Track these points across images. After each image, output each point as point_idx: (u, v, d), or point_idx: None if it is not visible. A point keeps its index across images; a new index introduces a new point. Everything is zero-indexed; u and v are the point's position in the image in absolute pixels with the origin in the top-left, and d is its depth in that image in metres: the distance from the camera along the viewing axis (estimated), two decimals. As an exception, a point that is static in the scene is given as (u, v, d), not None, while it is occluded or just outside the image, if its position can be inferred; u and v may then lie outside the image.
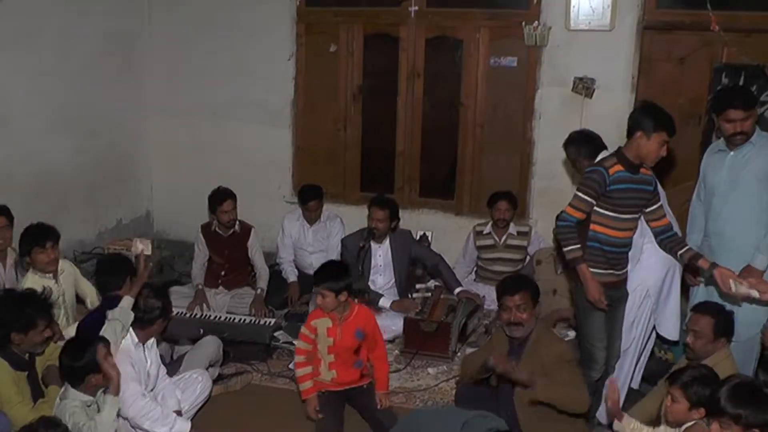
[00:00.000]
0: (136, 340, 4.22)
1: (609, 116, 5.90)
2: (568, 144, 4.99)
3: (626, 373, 4.71)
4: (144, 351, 4.27)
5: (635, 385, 4.86)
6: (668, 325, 4.73)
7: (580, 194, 4.17)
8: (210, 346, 5.00)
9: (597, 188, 4.13)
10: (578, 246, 4.17)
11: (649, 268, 4.52)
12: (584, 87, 6.41)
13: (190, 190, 7.53)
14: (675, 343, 4.95)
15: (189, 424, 4.23)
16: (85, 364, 3.82)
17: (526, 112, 6.76)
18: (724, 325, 4.12)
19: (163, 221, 7.92)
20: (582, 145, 4.87)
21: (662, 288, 4.61)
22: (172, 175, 7.78)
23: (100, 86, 6.99)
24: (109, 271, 4.77)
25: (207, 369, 4.82)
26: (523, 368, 4.06)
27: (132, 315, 4.19)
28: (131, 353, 4.16)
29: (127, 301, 4.24)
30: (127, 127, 7.45)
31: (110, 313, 4.19)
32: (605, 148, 4.77)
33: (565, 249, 4.21)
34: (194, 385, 4.60)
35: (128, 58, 7.36)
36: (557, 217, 4.35)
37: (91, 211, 6.43)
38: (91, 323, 4.38)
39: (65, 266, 5.18)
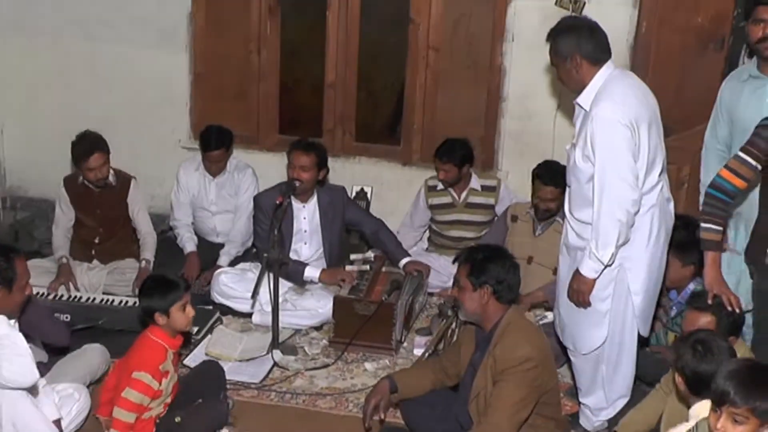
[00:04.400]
0: None
1: (604, 39, 5.86)
2: (564, 32, 4.39)
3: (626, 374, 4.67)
4: None
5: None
6: (643, 318, 4.66)
7: (744, 156, 4.18)
8: (94, 357, 4.92)
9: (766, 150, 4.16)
10: (721, 229, 4.22)
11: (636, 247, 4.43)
12: (572, 0, 6.37)
13: (55, 133, 7.34)
14: (645, 342, 4.94)
15: None
16: None
17: (496, 32, 6.70)
18: (729, 324, 4.12)
19: (19, 173, 7.76)
20: (586, 39, 4.33)
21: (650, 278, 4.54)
22: (29, 113, 7.61)
23: None
24: None
25: (88, 386, 4.75)
26: (483, 369, 4.18)
27: None
28: None
29: None
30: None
31: None
32: (610, 55, 4.43)
33: (704, 225, 4.24)
34: (69, 404, 4.49)
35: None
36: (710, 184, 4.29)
37: None
38: None
39: None
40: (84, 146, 6.07)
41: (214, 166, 6.62)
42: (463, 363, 4.42)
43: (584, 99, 4.34)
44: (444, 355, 4.76)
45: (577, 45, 4.29)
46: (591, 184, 4.24)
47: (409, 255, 6.16)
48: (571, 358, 4.76)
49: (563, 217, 5.63)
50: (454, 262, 4.46)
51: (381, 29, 7.08)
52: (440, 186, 6.53)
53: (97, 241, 6.37)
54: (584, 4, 6.36)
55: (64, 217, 6.32)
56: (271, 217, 5.52)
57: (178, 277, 4.78)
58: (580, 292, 4.39)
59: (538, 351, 4.13)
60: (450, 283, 5.78)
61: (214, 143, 6.51)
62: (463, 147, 6.40)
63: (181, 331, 4.54)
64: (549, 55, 4.44)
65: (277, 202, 5.51)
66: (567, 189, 4.57)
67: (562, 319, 4.66)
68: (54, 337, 4.96)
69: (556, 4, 6.42)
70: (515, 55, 6.67)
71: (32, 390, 4.14)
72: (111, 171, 6.21)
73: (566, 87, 4.52)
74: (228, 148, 6.61)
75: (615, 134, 4.15)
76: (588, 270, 4.33)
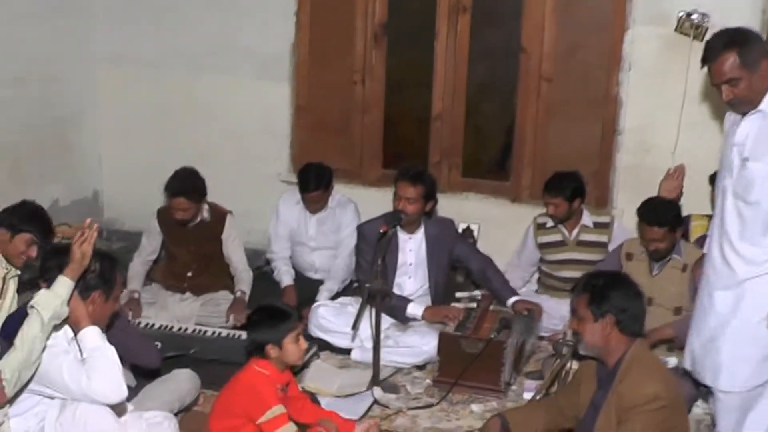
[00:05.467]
0: (70, 334, 4.01)
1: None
2: (750, 38, 4.15)
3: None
4: (78, 346, 4.03)
5: None
6: None
7: None
8: (183, 382, 4.82)
9: None
10: None
11: None
12: (693, 26, 6.20)
13: (152, 165, 7.35)
14: None
15: None
16: None
17: (611, 60, 6.58)
18: None
19: (116, 206, 7.86)
20: (760, 42, 4.19)
21: None
22: (128, 145, 7.70)
23: (32, 26, 6.84)
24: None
25: (177, 413, 4.65)
26: (606, 409, 3.99)
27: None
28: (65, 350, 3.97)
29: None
30: (67, 80, 7.32)
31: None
32: None
33: None
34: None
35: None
36: None
37: (16, 187, 6.31)
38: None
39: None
40: (173, 187, 6.12)
41: (313, 206, 6.57)
42: (583, 403, 4.17)
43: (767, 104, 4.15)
44: (560, 395, 4.52)
45: (764, 47, 4.14)
46: None
47: (517, 294, 6.00)
48: (719, 396, 4.41)
49: (680, 252, 5.52)
50: (571, 290, 4.21)
51: (490, 59, 7.09)
52: (550, 223, 6.34)
53: (189, 275, 6.39)
54: (706, 30, 6.14)
55: (148, 247, 6.44)
56: (374, 247, 5.43)
57: (288, 306, 4.69)
58: None
59: (667, 389, 3.89)
60: (561, 326, 5.71)
61: (313, 184, 6.45)
62: (573, 180, 6.20)
63: (291, 365, 4.43)
64: (728, 71, 4.07)
65: (381, 230, 5.42)
66: (730, 219, 4.27)
67: (716, 356, 4.31)
68: (144, 358, 4.89)
69: (676, 30, 6.26)
70: (632, 85, 6.54)
71: (119, 409, 4.08)
72: (206, 206, 6.26)
73: (739, 104, 4.18)
74: (327, 188, 6.54)
75: None
76: None
